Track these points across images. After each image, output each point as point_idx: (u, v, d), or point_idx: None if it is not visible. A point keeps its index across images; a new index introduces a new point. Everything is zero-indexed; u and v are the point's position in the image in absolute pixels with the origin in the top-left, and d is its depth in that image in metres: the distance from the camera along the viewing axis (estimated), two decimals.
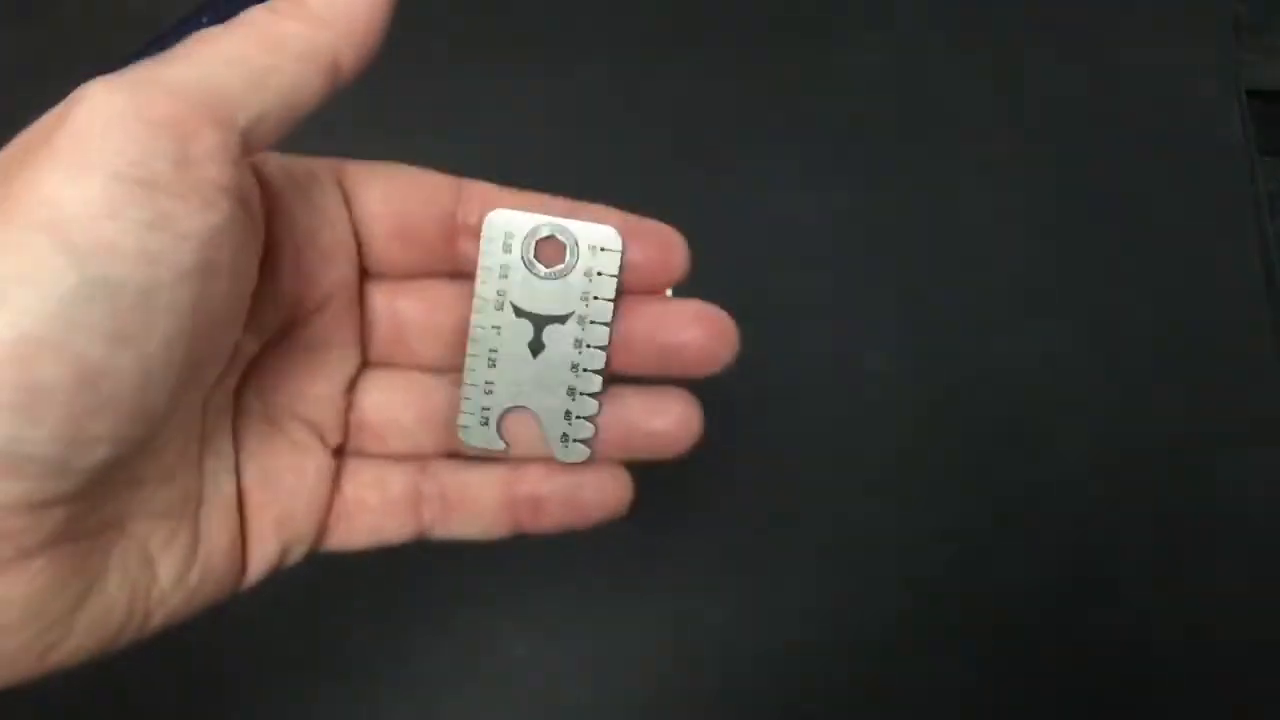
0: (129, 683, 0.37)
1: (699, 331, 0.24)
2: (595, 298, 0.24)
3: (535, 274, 0.24)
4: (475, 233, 0.24)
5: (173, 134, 0.18)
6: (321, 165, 0.23)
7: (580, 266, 0.24)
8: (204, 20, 0.43)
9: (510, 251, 0.24)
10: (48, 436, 0.17)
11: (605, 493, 0.25)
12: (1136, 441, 0.41)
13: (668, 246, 0.24)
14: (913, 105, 0.45)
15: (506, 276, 0.24)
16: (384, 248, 0.24)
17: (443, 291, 0.25)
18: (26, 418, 0.17)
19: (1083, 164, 0.44)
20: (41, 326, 0.17)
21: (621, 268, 0.24)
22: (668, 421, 0.24)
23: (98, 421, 0.18)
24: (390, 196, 0.24)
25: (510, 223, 0.23)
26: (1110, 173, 0.44)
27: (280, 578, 0.24)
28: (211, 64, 0.19)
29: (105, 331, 0.17)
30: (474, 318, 0.24)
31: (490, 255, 0.24)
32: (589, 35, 0.45)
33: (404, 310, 0.25)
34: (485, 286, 0.24)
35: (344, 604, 0.38)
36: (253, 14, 0.20)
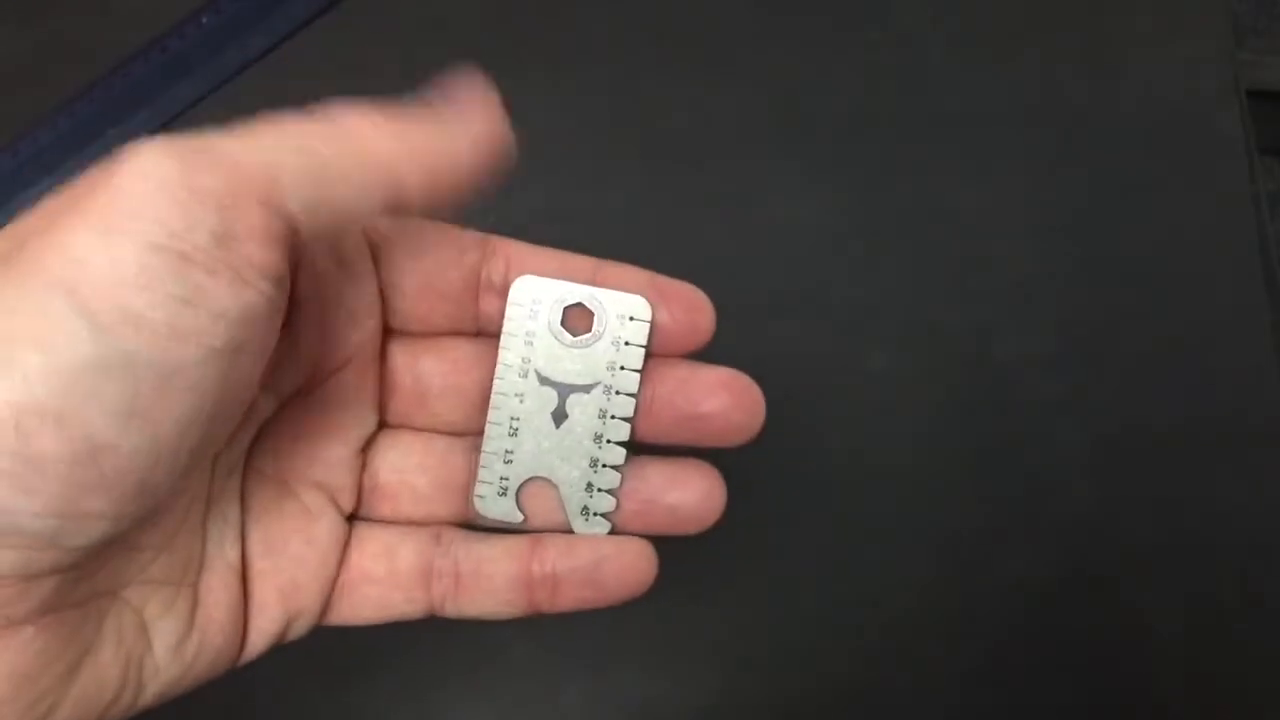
0: None
1: (725, 401, 0.23)
2: (622, 368, 0.23)
3: (561, 342, 0.23)
4: (500, 290, 0.23)
5: (218, 206, 0.17)
6: None
7: (608, 335, 0.23)
8: (203, 20, 0.43)
9: (536, 318, 0.23)
10: (41, 510, 0.16)
11: (628, 570, 0.23)
12: (1136, 441, 0.41)
13: (695, 309, 0.23)
14: (913, 105, 0.45)
15: (532, 344, 0.23)
16: (410, 306, 0.23)
17: (465, 351, 0.24)
18: (18, 488, 0.16)
19: (1082, 164, 0.44)
20: (47, 395, 0.15)
21: (650, 338, 0.23)
22: (689, 495, 0.23)
23: (96, 498, 0.16)
24: (418, 252, 0.23)
25: (538, 289, 0.23)
26: (1110, 172, 0.44)
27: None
28: (274, 145, 0.18)
29: (117, 408, 0.16)
30: (496, 384, 0.23)
31: (516, 321, 0.23)
32: (589, 35, 0.45)
33: (426, 370, 0.23)
34: (509, 353, 0.23)
35: None
36: (338, 110, 0.19)
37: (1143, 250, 0.43)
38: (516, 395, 0.23)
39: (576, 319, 0.23)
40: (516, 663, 0.38)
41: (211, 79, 0.43)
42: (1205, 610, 0.40)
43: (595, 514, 0.24)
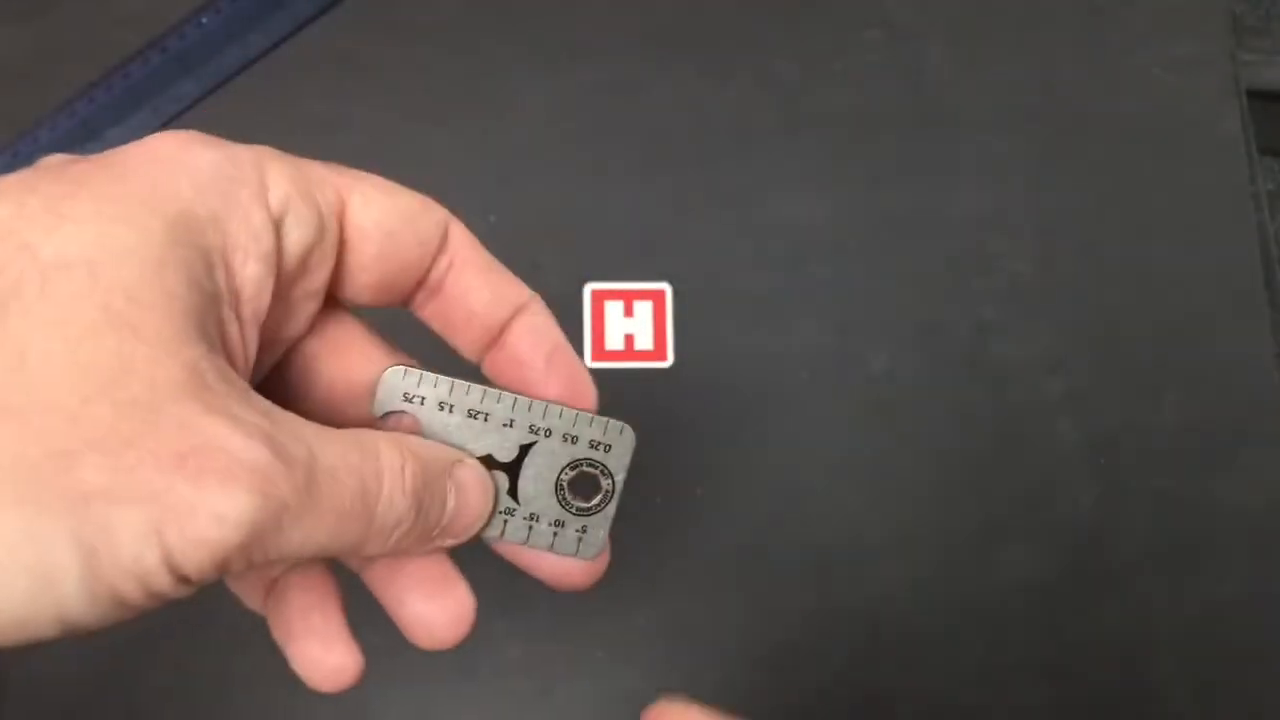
0: (130, 683, 0.37)
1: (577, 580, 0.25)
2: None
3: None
4: (433, 290, 0.22)
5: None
6: (332, 220, 0.21)
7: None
8: (203, 20, 0.43)
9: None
10: None
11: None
12: (1136, 441, 0.41)
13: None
14: (912, 105, 0.45)
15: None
16: (355, 287, 0.22)
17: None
18: None
19: (1082, 163, 0.44)
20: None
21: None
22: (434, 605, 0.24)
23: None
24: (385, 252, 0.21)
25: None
26: (1110, 172, 0.44)
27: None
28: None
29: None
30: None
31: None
32: (589, 35, 0.45)
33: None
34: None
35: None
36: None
37: (1143, 250, 0.43)
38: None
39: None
40: (512, 662, 0.38)
41: (211, 79, 0.43)
42: (1205, 610, 0.40)
43: None
